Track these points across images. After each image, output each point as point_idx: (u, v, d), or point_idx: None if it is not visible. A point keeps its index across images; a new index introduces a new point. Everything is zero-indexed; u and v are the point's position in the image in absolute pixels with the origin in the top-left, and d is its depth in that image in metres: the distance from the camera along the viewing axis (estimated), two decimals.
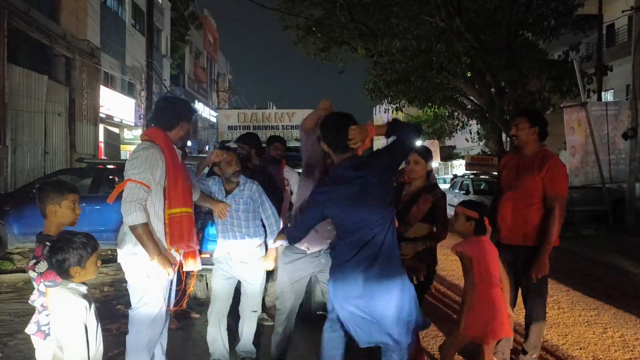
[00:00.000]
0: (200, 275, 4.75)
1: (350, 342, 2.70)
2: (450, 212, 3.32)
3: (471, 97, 13.93)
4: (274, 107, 38.99)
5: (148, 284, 2.66)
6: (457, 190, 14.30)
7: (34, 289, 2.33)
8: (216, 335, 3.46)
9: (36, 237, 2.37)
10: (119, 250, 2.70)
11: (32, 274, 2.27)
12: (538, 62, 11.48)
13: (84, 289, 2.25)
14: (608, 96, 20.02)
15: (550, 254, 3.20)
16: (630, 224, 11.08)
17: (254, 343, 3.62)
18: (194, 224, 2.84)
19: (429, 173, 3.37)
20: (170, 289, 2.87)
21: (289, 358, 3.40)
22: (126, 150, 18.51)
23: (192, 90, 31.58)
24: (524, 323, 3.53)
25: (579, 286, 5.98)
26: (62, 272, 2.18)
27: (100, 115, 16.06)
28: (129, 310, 2.73)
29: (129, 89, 19.88)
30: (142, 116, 16.75)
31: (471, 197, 12.76)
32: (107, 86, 17.27)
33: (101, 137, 16.13)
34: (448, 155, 31.04)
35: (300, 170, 5.01)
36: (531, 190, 3.21)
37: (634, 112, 11.19)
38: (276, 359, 3.21)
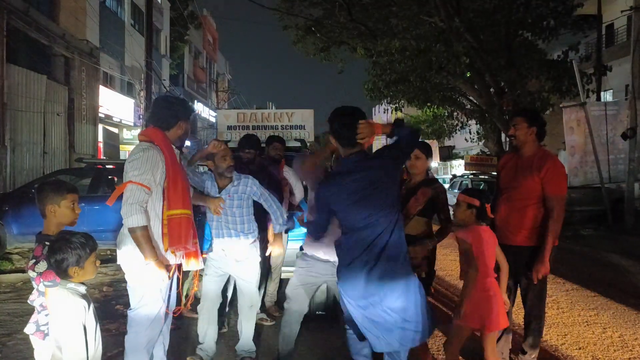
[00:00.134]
0: (201, 276, 4.76)
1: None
2: (450, 212, 3.33)
3: (470, 97, 13.92)
4: (274, 107, 38.98)
5: (148, 284, 2.65)
6: (456, 190, 14.32)
7: (33, 288, 2.33)
8: (206, 329, 3.47)
9: (36, 237, 2.36)
10: (118, 251, 2.70)
11: (31, 273, 2.26)
12: (537, 62, 11.48)
13: (82, 289, 2.25)
14: (607, 96, 20.02)
15: (550, 254, 3.20)
16: (630, 223, 11.09)
17: (254, 342, 3.62)
18: (193, 226, 2.83)
19: (427, 170, 3.39)
20: (170, 290, 2.86)
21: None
22: (125, 150, 18.50)
23: (192, 90, 31.57)
24: (523, 323, 3.53)
25: (578, 286, 5.99)
26: (61, 272, 2.17)
27: (100, 115, 16.06)
28: (128, 311, 2.72)
29: (128, 89, 19.86)
30: (141, 116, 16.73)
31: None
32: (106, 86, 17.26)
33: (100, 137, 16.13)
34: (447, 155, 31.01)
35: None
36: (530, 191, 3.22)
37: (633, 112, 11.20)
38: (282, 354, 3.22)
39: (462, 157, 23.97)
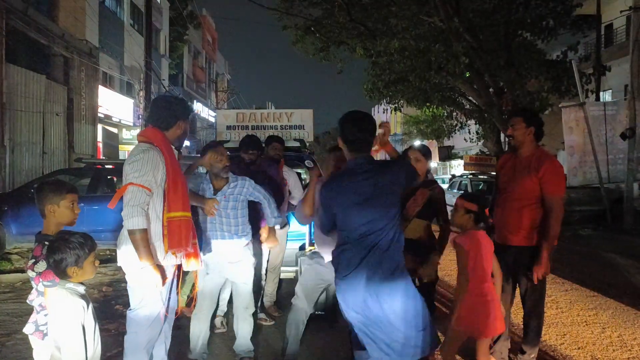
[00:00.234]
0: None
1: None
2: (447, 214, 3.33)
3: (470, 97, 13.92)
4: (273, 107, 38.98)
5: (148, 285, 2.64)
6: (455, 191, 14.31)
7: (32, 288, 2.33)
8: (199, 332, 3.47)
9: (35, 237, 2.36)
10: (118, 251, 2.69)
11: (31, 273, 2.27)
12: (536, 62, 11.48)
13: (81, 289, 2.25)
14: (606, 96, 20.04)
15: (550, 253, 3.20)
16: (629, 223, 11.11)
17: (253, 343, 3.62)
18: (193, 227, 2.82)
19: (427, 172, 3.40)
20: (171, 291, 2.85)
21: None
22: (124, 150, 18.48)
23: (191, 90, 31.56)
24: (522, 323, 3.53)
25: (577, 286, 5.99)
26: (60, 272, 2.17)
27: (99, 115, 16.06)
28: (128, 311, 2.71)
29: (127, 89, 19.86)
30: (140, 116, 16.73)
31: None
32: (105, 86, 17.26)
33: (99, 137, 16.12)
34: (446, 155, 31.00)
35: (299, 170, 5.01)
36: (528, 191, 3.22)
37: (632, 112, 11.21)
38: (287, 355, 3.24)
39: (461, 157, 23.97)
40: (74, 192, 2.43)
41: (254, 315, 3.68)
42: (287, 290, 5.15)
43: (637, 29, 11.64)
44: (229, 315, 4.34)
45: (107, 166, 8.89)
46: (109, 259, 7.18)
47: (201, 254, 3.08)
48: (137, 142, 2.78)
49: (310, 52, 14.98)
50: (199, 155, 3.55)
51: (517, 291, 3.47)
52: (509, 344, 3.56)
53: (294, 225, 4.87)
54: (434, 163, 33.80)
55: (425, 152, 3.34)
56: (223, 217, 3.40)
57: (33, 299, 2.33)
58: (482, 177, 14.68)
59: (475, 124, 15.63)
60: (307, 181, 6.44)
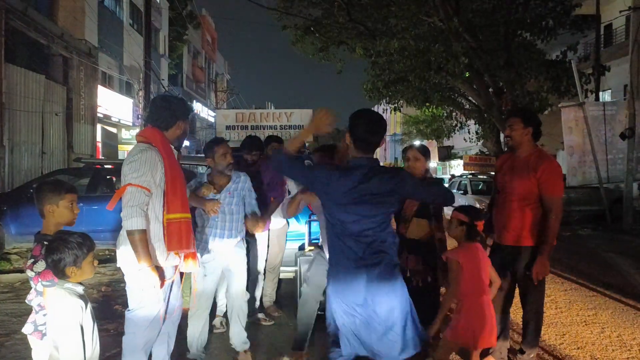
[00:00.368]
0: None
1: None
2: (447, 212, 3.33)
3: (469, 97, 13.93)
4: (272, 107, 38.98)
5: (146, 286, 2.63)
6: (455, 191, 14.30)
7: (31, 288, 2.33)
8: (197, 332, 3.47)
9: (34, 237, 2.36)
10: (117, 252, 2.68)
11: (30, 273, 2.26)
12: (536, 62, 11.49)
13: (80, 289, 2.25)
14: (606, 96, 20.06)
15: (549, 254, 3.20)
16: (628, 223, 11.11)
17: (253, 343, 3.61)
18: (192, 229, 2.79)
19: (426, 171, 3.40)
20: (171, 292, 2.83)
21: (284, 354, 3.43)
22: (124, 150, 18.47)
23: (190, 90, 31.55)
24: (521, 323, 3.53)
25: (576, 286, 6.00)
26: (58, 271, 2.17)
27: (98, 115, 16.04)
28: (126, 312, 2.70)
29: (126, 89, 19.85)
30: (139, 116, 16.72)
31: (469, 197, 12.77)
32: (104, 86, 17.25)
33: (99, 137, 16.11)
34: (446, 155, 31.02)
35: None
36: (527, 192, 3.22)
37: (631, 112, 11.22)
38: (296, 347, 3.26)
39: (461, 157, 23.98)
40: (73, 192, 2.42)
41: (252, 315, 3.67)
42: (287, 290, 5.15)
43: (636, 29, 11.66)
44: (227, 315, 4.34)
45: (106, 166, 8.87)
46: (108, 259, 7.18)
47: (198, 254, 3.08)
48: (136, 142, 2.77)
49: (310, 52, 14.98)
50: (199, 155, 3.56)
51: (517, 291, 3.47)
52: (509, 344, 3.56)
53: (294, 225, 4.87)
54: (433, 163, 33.82)
55: (424, 152, 3.34)
56: (227, 214, 3.40)
57: (32, 298, 2.33)
58: (481, 177, 14.68)
59: (475, 124, 15.64)
60: None
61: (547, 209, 3.17)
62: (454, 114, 16.90)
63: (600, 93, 16.84)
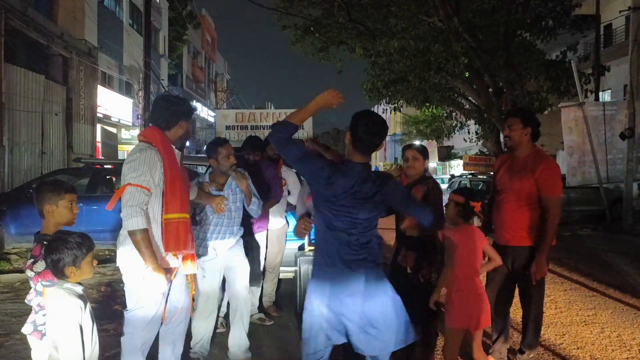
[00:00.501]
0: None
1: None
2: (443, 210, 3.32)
3: (469, 97, 13.93)
4: (272, 107, 38.97)
5: (144, 286, 2.63)
6: None
7: (30, 288, 2.32)
8: (205, 331, 3.47)
9: (34, 237, 2.36)
10: (117, 252, 2.68)
11: (29, 273, 2.26)
12: (536, 62, 11.48)
13: (79, 289, 2.24)
14: (605, 96, 20.07)
15: (548, 254, 3.20)
16: (628, 223, 11.12)
17: (254, 343, 3.60)
18: (190, 230, 2.79)
19: (424, 171, 3.41)
20: (169, 293, 2.82)
21: (285, 355, 3.42)
22: (124, 150, 18.47)
23: (190, 90, 31.55)
24: (521, 322, 3.53)
25: (576, 286, 6.00)
26: (58, 271, 2.17)
27: (98, 115, 16.05)
28: (125, 312, 2.70)
29: (126, 89, 19.86)
30: (139, 116, 16.72)
31: None
32: (104, 86, 17.25)
33: (98, 137, 16.11)
34: (446, 155, 31.03)
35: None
36: (525, 192, 3.22)
37: (631, 112, 11.22)
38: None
39: (460, 157, 23.99)
40: (72, 192, 2.42)
41: (251, 315, 3.66)
42: (287, 290, 5.15)
43: (636, 29, 11.67)
44: (228, 315, 4.34)
45: (106, 166, 8.88)
46: (108, 259, 7.18)
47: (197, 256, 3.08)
48: (136, 141, 2.77)
49: (310, 52, 14.97)
50: (199, 155, 3.56)
51: (517, 291, 3.47)
52: (508, 344, 3.56)
53: (293, 225, 4.86)
54: (433, 163, 33.83)
55: (423, 152, 3.34)
56: (233, 212, 3.40)
57: (31, 298, 2.33)
58: (481, 177, 14.69)
59: (475, 124, 15.64)
60: None
61: (545, 209, 3.17)
62: (454, 114, 16.90)
63: (600, 93, 16.84)
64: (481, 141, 15.47)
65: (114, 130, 18.14)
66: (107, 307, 4.87)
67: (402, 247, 3.25)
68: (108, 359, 3.45)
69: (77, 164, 9.32)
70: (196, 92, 33.47)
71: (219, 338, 4.01)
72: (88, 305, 2.28)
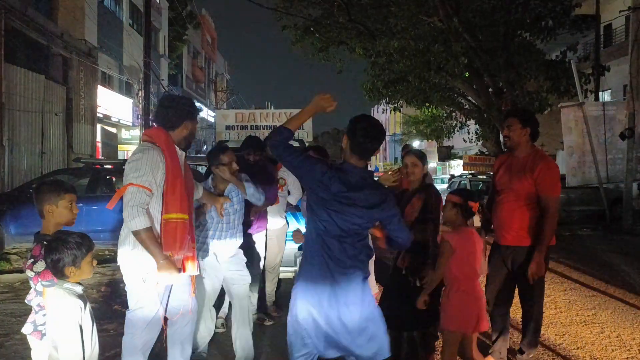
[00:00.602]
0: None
1: None
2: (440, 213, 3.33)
3: (469, 97, 13.93)
4: (272, 107, 38.97)
5: (144, 287, 2.63)
6: None
7: (30, 288, 2.33)
8: (206, 332, 3.48)
9: (34, 237, 2.36)
10: (118, 251, 2.69)
11: (29, 273, 2.26)
12: (536, 63, 11.48)
13: (79, 289, 2.25)
14: (605, 96, 20.07)
15: (546, 254, 3.21)
16: (628, 223, 11.11)
17: (254, 345, 3.60)
18: (190, 231, 2.76)
19: (425, 175, 3.41)
20: (170, 294, 2.81)
21: (285, 355, 3.40)
22: (124, 150, 18.47)
23: (190, 90, 31.55)
24: (521, 322, 3.53)
25: (576, 286, 6.00)
26: (57, 271, 2.17)
27: (98, 115, 16.05)
28: (126, 312, 2.71)
29: (126, 89, 19.86)
30: (139, 116, 16.73)
31: None
32: (104, 86, 17.26)
33: (98, 137, 16.12)
34: (446, 155, 31.04)
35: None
36: (524, 192, 3.23)
37: (631, 112, 11.22)
38: None
39: (460, 157, 23.98)
40: (72, 192, 2.42)
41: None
42: (286, 290, 5.14)
43: (636, 29, 11.67)
44: (229, 315, 4.33)
45: (106, 166, 8.88)
46: (108, 259, 7.17)
47: (199, 258, 3.08)
48: (137, 141, 2.76)
49: (309, 52, 14.97)
50: (199, 155, 3.55)
51: (517, 291, 3.47)
52: (508, 344, 3.56)
53: (293, 225, 4.87)
54: (433, 163, 33.83)
55: (422, 157, 3.36)
56: (231, 215, 3.40)
57: (31, 298, 2.33)
58: (481, 177, 14.69)
59: (475, 124, 15.64)
60: None
61: (544, 209, 3.17)
62: (453, 114, 16.89)
63: (600, 93, 16.84)
64: (481, 141, 15.47)
65: (114, 130, 18.14)
66: (107, 307, 4.87)
67: (400, 250, 3.25)
68: (108, 359, 3.45)
69: (77, 164, 9.32)
70: (196, 92, 33.47)
71: (219, 338, 4.01)
72: (88, 305, 2.28)
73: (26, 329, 2.34)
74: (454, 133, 19.34)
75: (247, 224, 3.86)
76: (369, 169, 3.37)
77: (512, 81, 11.41)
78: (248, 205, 3.67)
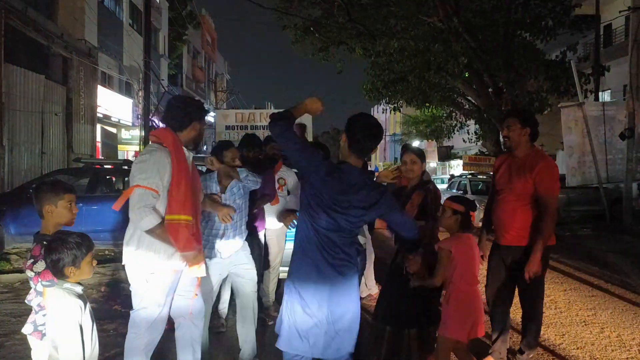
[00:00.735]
0: None
1: None
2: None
3: (469, 97, 13.94)
4: (272, 107, 38.98)
5: (147, 287, 2.64)
6: (454, 191, 14.32)
7: (30, 288, 2.33)
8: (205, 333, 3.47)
9: (34, 237, 2.36)
10: (124, 251, 2.69)
11: (29, 273, 2.26)
12: (535, 63, 11.49)
13: (79, 289, 2.25)
14: (605, 96, 20.07)
15: (546, 254, 3.20)
16: (628, 223, 11.11)
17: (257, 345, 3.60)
18: (194, 233, 2.72)
19: (423, 173, 3.41)
20: (174, 294, 2.81)
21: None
22: (123, 150, 18.48)
23: (190, 90, 31.54)
24: (520, 323, 3.53)
25: (576, 286, 6.00)
26: (57, 271, 2.17)
27: (98, 115, 16.05)
28: (130, 312, 2.72)
29: (126, 89, 19.85)
30: (139, 116, 16.72)
31: (468, 197, 12.77)
32: (104, 86, 17.25)
33: (98, 137, 16.12)
34: (445, 155, 31.05)
35: (297, 170, 4.99)
36: (523, 192, 3.23)
37: (631, 112, 11.21)
38: None
39: (460, 157, 23.98)
40: (72, 192, 2.42)
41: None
42: None
43: (636, 29, 11.67)
44: (228, 315, 4.34)
45: (105, 166, 8.88)
46: (108, 259, 7.18)
47: (206, 259, 3.07)
48: (136, 141, 2.77)
49: (309, 52, 14.97)
50: (199, 155, 3.55)
51: (517, 291, 3.47)
52: (508, 344, 3.56)
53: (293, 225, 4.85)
54: (433, 163, 33.84)
55: (420, 155, 3.36)
56: (235, 212, 3.41)
57: (31, 299, 2.33)
58: (481, 177, 14.68)
59: (475, 124, 15.65)
60: None
61: (543, 208, 3.18)
62: (453, 114, 16.91)
63: (600, 93, 16.84)
64: (481, 141, 15.48)
65: (113, 130, 18.14)
66: (107, 307, 4.87)
67: (400, 249, 3.24)
68: (108, 359, 3.45)
69: (77, 164, 9.32)
70: (196, 92, 33.45)
71: (219, 338, 4.01)
72: (88, 305, 2.28)
73: (26, 329, 2.34)
74: (454, 133, 19.36)
75: (250, 226, 3.87)
76: (369, 169, 3.37)
77: (512, 81, 11.41)
78: (252, 201, 3.68)
